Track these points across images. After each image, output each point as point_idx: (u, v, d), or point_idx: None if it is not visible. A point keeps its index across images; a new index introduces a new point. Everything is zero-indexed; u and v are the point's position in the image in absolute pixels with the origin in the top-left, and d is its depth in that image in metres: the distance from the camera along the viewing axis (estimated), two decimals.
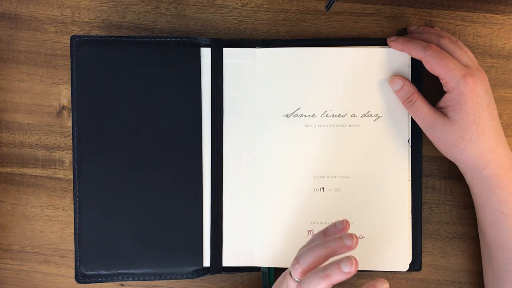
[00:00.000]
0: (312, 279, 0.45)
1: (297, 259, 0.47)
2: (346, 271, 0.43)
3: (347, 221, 0.47)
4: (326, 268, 0.44)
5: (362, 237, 0.55)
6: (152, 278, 0.55)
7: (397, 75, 0.55)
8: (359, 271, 0.55)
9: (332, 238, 0.46)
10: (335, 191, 0.56)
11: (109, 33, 0.58)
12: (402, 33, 0.58)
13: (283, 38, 0.58)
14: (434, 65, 0.51)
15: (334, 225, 0.48)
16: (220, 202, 0.56)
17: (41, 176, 0.59)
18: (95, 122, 0.55)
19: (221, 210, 0.56)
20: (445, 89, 0.52)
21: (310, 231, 0.56)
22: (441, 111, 0.52)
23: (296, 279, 0.47)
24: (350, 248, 0.45)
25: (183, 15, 0.58)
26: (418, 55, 0.52)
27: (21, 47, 0.59)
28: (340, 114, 0.56)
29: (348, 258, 0.44)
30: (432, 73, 0.52)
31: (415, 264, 0.56)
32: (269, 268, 0.57)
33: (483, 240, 0.55)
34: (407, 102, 0.54)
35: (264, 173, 0.56)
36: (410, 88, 0.54)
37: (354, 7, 0.58)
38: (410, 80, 0.55)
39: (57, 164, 0.59)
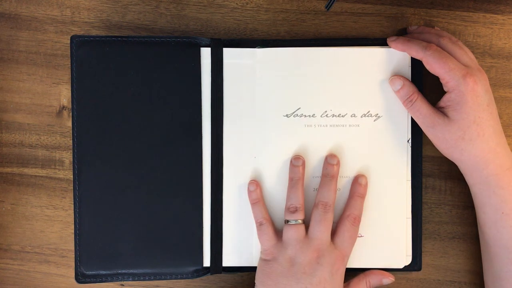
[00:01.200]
0: (323, 188, 0.53)
1: (293, 206, 0.53)
2: (333, 163, 0.54)
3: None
4: (323, 174, 0.54)
5: (361, 236, 0.55)
6: (152, 278, 0.55)
7: (397, 75, 0.55)
8: (357, 269, 0.55)
9: (291, 166, 0.54)
10: None
11: (109, 33, 0.58)
12: (402, 33, 0.58)
13: (283, 38, 0.58)
14: (434, 65, 0.51)
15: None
16: (220, 202, 0.56)
17: (41, 176, 0.59)
18: (95, 122, 0.55)
19: (221, 210, 0.56)
20: (445, 89, 0.52)
21: None
22: (441, 111, 0.52)
23: (299, 220, 0.53)
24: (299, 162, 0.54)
25: (183, 15, 0.58)
26: (418, 55, 0.52)
27: (21, 47, 0.59)
28: (340, 114, 0.56)
29: (329, 154, 0.55)
30: (432, 73, 0.52)
31: (415, 264, 0.56)
32: None
33: (483, 240, 0.55)
34: (407, 102, 0.54)
35: (264, 173, 0.56)
36: (410, 88, 0.54)
37: (354, 7, 0.58)
38: (410, 80, 0.55)
39: (57, 164, 0.59)
